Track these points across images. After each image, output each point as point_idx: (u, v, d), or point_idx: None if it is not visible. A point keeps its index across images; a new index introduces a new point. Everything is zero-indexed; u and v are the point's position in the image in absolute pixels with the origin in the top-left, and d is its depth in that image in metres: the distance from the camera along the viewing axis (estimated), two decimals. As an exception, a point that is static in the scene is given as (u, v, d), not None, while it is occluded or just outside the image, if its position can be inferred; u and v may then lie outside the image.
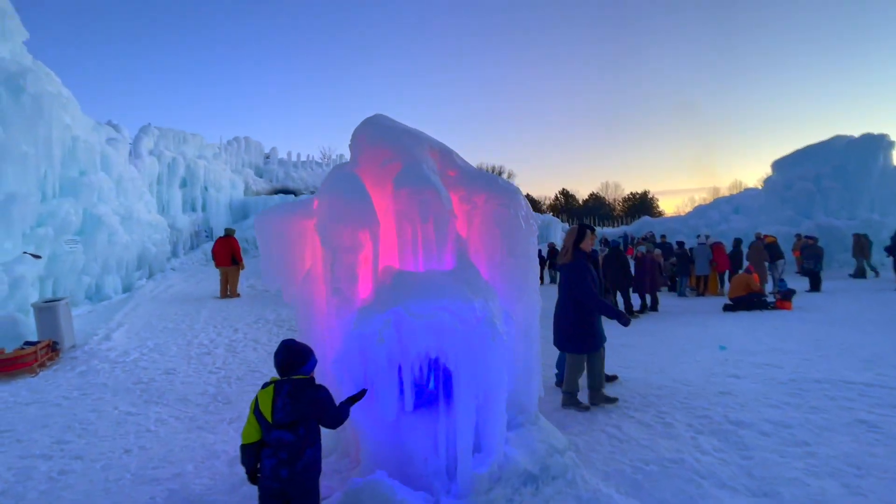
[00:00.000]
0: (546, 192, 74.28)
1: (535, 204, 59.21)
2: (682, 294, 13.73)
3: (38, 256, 8.08)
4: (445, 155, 3.36)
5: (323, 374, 3.30)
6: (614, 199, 62.68)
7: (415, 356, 2.78)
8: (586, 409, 4.61)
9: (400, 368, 2.94)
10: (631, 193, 61.99)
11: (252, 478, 2.54)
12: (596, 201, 61.69)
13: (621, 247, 12.24)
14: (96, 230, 10.45)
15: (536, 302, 3.42)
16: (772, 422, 4.23)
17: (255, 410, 2.47)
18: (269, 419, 2.41)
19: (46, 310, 7.21)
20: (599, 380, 4.79)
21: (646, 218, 31.01)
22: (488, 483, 2.83)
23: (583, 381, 4.81)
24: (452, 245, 3.05)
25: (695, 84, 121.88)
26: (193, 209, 19.80)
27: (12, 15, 8.12)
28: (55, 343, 7.04)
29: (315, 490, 2.55)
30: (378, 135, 3.22)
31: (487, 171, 57.35)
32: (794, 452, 3.65)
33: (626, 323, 4.69)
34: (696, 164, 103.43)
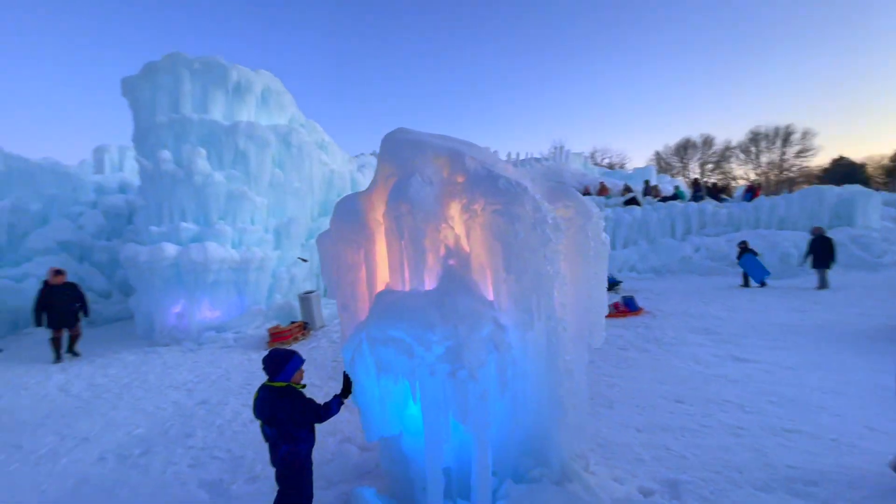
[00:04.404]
0: (877, 149, 51.49)
1: (855, 170, 42.28)
2: None
3: (305, 260, 11.42)
4: (455, 160, 3.01)
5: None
6: None
7: (386, 382, 2.66)
8: None
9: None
10: None
11: None
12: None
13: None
14: (349, 238, 13.75)
15: (560, 327, 2.68)
16: None
17: None
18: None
19: (304, 299, 10.08)
20: None
21: None
22: (462, 538, 2.45)
23: None
24: (435, 261, 2.75)
25: None
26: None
27: (284, 92, 11.80)
28: (306, 323, 9.78)
29: (296, 483, 2.79)
30: (385, 151, 3.20)
31: (764, 134, 44.60)
32: None
33: None
34: None
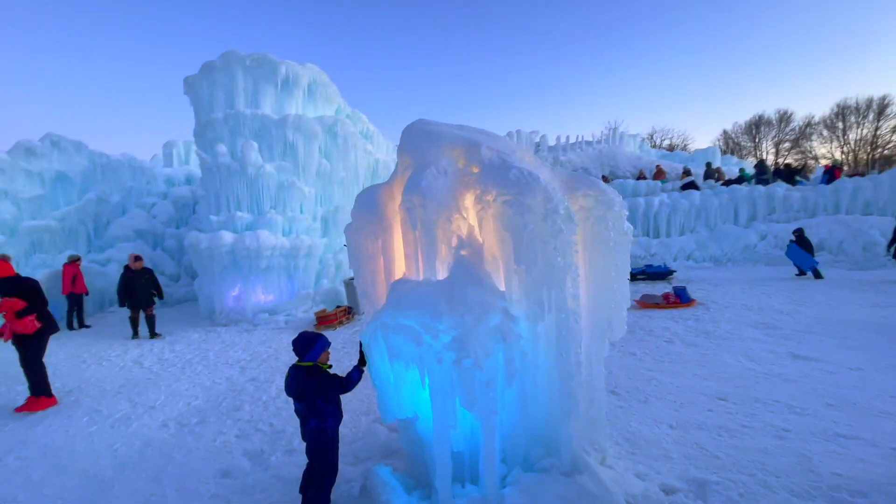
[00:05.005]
0: None
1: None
2: None
3: (350, 247, 11.87)
4: (471, 150, 3.01)
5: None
6: None
7: (398, 367, 2.76)
8: None
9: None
10: None
11: None
12: None
13: None
14: (393, 226, 14.07)
15: (572, 319, 2.63)
16: None
17: None
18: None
19: (349, 285, 10.51)
20: None
21: None
22: (469, 522, 2.52)
23: None
24: (448, 252, 2.78)
25: None
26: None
27: (330, 84, 12.16)
28: (350, 308, 10.21)
29: (323, 457, 2.99)
30: (404, 142, 3.25)
31: (853, 107, 39.68)
32: None
33: None
34: None
